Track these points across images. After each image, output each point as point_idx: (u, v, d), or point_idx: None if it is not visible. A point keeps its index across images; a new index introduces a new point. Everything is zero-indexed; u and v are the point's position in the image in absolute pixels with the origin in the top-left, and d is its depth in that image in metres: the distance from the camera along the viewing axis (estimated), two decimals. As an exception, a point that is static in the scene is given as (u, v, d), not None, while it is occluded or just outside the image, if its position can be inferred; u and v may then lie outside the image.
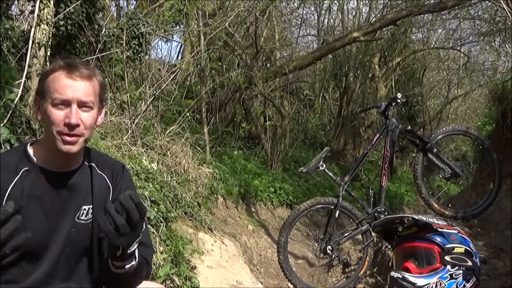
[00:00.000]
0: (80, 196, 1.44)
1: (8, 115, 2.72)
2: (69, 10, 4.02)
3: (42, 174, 1.40)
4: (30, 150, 1.43)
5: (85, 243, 1.44)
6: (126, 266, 1.33)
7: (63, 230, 1.40)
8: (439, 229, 2.22)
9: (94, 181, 1.48)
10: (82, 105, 1.36)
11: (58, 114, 1.34)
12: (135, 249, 1.32)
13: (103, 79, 1.49)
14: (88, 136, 1.40)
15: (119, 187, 1.51)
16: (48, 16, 3.34)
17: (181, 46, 9.67)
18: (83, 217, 1.44)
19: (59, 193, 1.41)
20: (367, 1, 10.96)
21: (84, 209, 1.44)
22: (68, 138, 1.35)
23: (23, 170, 1.38)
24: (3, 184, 1.33)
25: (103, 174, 1.50)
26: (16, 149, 1.62)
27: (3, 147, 2.52)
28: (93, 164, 1.50)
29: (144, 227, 1.48)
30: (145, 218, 1.47)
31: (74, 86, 1.35)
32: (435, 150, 3.96)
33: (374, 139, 4.11)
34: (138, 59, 5.28)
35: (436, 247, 2.18)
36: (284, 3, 10.06)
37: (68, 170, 1.44)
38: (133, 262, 1.34)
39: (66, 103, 1.34)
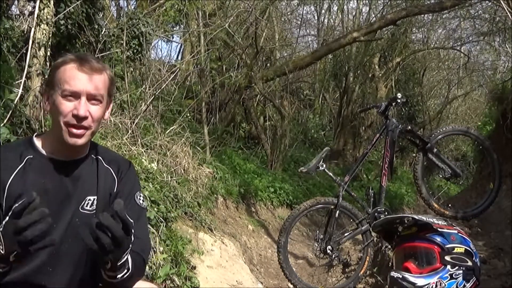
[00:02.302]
0: (85, 186, 1.45)
1: (8, 115, 2.72)
2: (69, 10, 4.01)
3: (47, 162, 1.40)
4: (36, 140, 1.44)
5: None
6: (118, 276, 1.30)
7: (64, 218, 1.40)
8: (439, 229, 2.22)
9: (100, 173, 1.48)
10: (91, 98, 1.37)
11: (67, 105, 1.35)
12: (126, 260, 1.29)
13: (113, 74, 1.50)
14: (95, 129, 1.41)
15: (124, 181, 1.51)
16: (48, 16, 3.34)
17: (181, 46, 9.68)
18: (87, 207, 1.44)
19: (63, 182, 1.41)
20: (367, 1, 10.97)
21: (89, 199, 1.44)
22: (75, 131, 1.36)
23: (27, 157, 1.39)
24: (7, 172, 1.34)
25: (109, 167, 1.51)
26: (22, 140, 1.64)
27: (3, 147, 2.52)
28: (99, 157, 1.50)
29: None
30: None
31: (85, 79, 1.36)
32: (435, 150, 3.96)
33: (374, 139, 4.10)
34: (138, 59, 5.27)
35: (436, 247, 2.17)
36: (284, 3, 10.07)
37: (74, 159, 1.44)
38: (125, 272, 1.31)
39: (76, 95, 1.35)
